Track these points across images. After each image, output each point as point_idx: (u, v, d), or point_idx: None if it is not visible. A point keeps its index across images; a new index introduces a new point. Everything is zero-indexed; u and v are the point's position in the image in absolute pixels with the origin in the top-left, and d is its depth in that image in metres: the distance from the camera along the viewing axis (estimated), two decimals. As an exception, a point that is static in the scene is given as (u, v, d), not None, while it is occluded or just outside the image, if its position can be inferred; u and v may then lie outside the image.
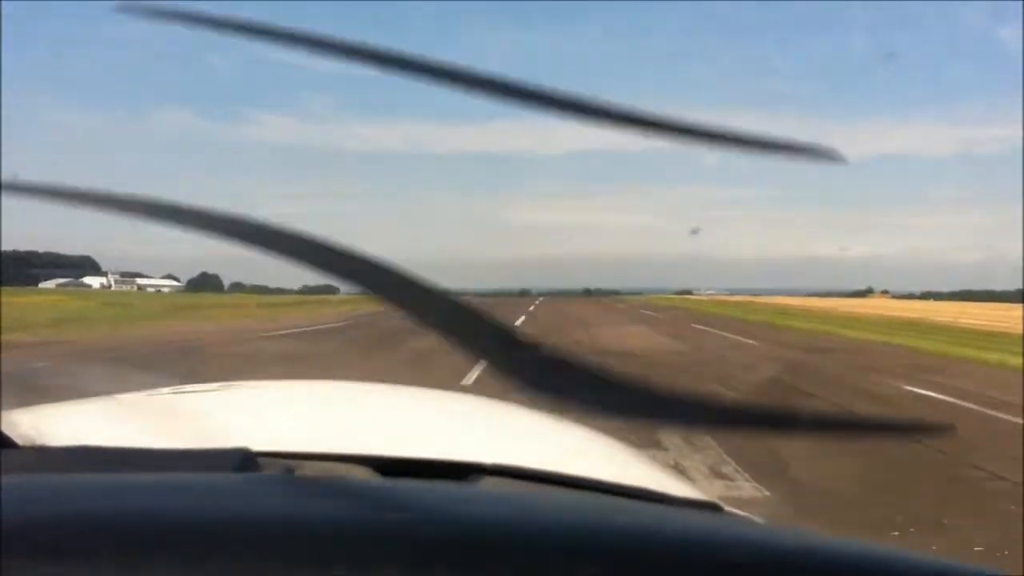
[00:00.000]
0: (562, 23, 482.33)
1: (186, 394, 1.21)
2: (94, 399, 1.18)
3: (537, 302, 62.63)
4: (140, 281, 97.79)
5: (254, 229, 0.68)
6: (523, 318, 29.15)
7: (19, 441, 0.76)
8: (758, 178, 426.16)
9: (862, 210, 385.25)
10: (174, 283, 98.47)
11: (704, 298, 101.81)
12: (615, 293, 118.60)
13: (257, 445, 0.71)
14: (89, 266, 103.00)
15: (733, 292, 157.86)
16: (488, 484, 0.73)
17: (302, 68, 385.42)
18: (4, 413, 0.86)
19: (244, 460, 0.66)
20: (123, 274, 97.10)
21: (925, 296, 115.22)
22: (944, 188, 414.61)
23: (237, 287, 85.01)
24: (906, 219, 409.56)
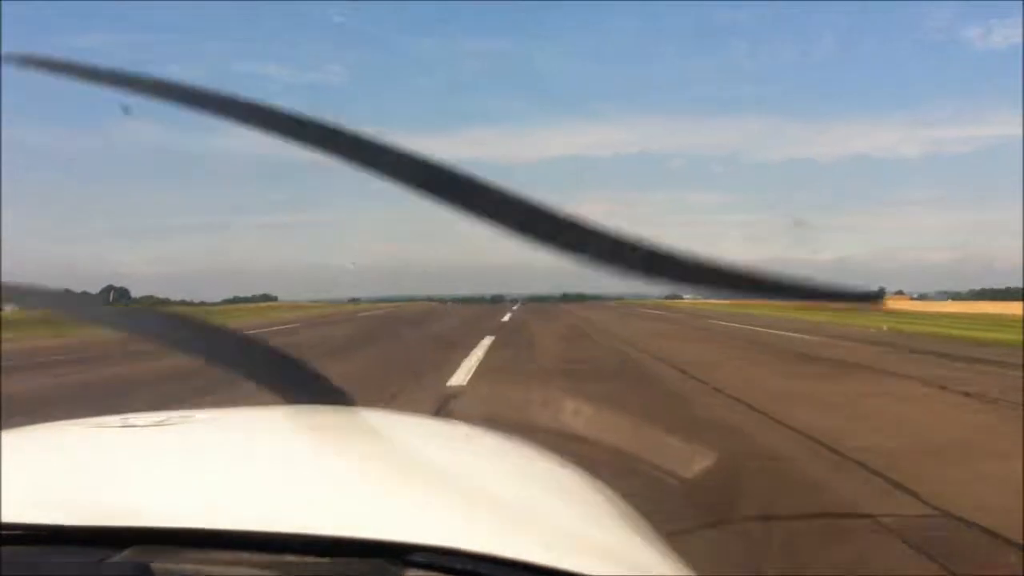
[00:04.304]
0: (527, 28, 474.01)
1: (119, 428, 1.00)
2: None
3: (514, 308, 49.58)
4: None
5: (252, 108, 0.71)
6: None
7: None
8: (726, 182, 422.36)
9: (832, 212, 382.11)
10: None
11: (699, 302, 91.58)
12: (597, 298, 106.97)
13: (153, 517, 0.65)
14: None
15: (708, 296, 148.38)
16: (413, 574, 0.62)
17: (267, 77, 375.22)
18: None
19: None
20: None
21: (942, 296, 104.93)
22: (914, 189, 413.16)
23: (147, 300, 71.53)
24: (876, 221, 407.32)
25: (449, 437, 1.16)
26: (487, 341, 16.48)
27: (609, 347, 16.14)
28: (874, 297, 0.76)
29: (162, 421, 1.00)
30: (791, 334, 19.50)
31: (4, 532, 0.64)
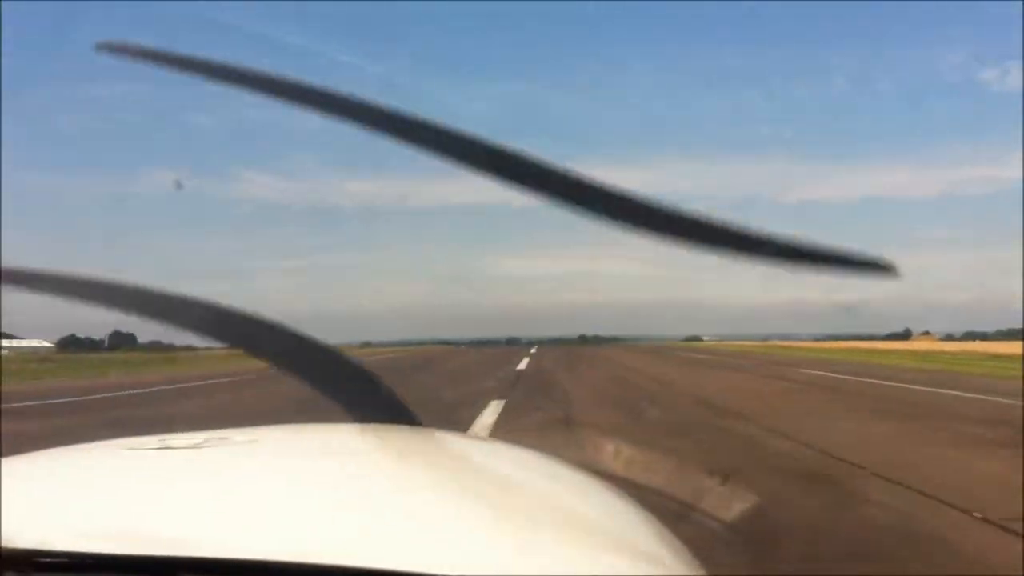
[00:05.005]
0: (540, 71, 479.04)
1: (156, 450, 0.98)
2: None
3: (532, 352, 44.81)
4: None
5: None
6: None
7: None
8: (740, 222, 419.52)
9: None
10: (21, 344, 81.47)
11: (724, 343, 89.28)
12: (615, 340, 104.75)
13: (190, 546, 0.62)
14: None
15: (723, 338, 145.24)
16: None
17: (284, 126, 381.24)
18: None
19: None
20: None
21: (968, 336, 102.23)
22: (930, 229, 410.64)
23: (155, 345, 70.16)
24: (894, 262, 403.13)
25: (501, 460, 1.13)
26: (490, 412, 10.43)
27: (721, 443, 8.23)
28: (885, 267, 0.75)
29: (200, 443, 0.98)
30: (968, 395, 13.73)
31: (38, 560, 0.63)
